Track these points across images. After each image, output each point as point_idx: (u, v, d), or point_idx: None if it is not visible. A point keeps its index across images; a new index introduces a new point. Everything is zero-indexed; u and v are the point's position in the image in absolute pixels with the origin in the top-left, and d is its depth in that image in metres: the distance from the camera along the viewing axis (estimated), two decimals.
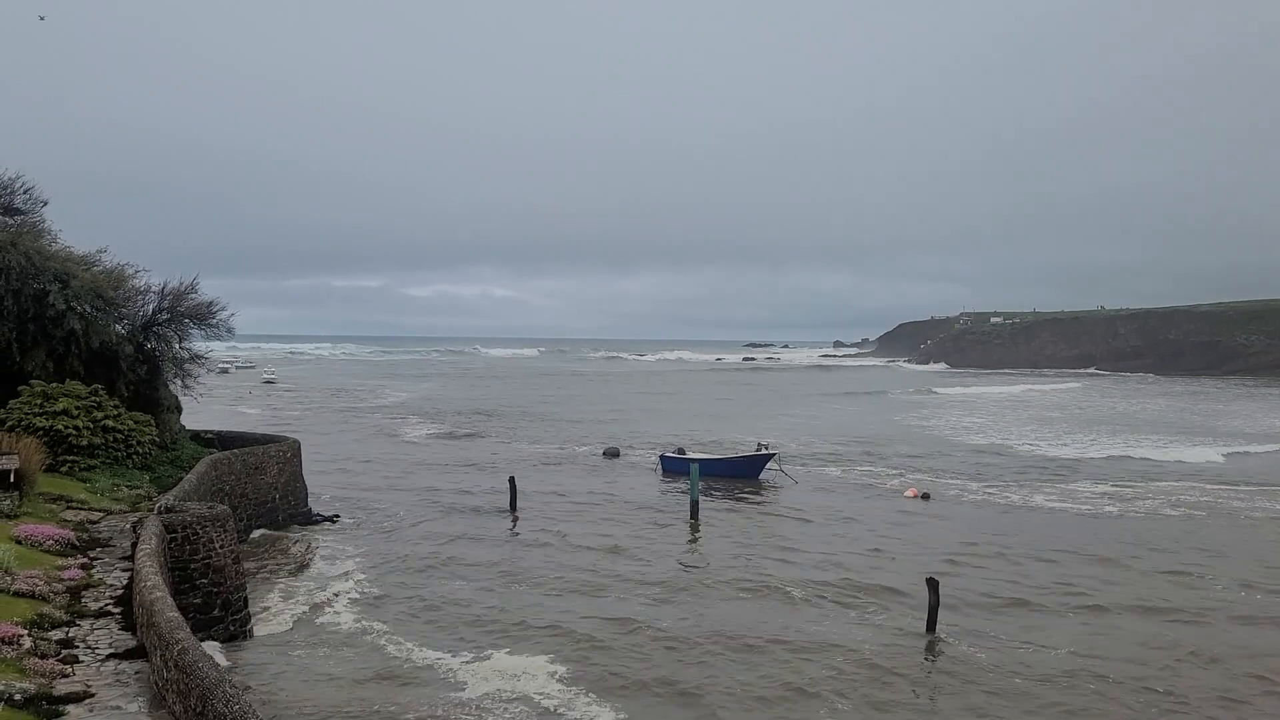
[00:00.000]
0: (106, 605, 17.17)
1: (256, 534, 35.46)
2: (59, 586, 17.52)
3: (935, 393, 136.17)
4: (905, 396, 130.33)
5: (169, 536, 21.76)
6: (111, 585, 18.50)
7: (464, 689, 20.90)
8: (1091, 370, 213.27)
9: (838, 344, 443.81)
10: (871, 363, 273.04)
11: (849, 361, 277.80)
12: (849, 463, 59.53)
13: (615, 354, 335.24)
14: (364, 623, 25.49)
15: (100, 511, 25.63)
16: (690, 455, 54.52)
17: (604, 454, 61.98)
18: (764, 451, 53.51)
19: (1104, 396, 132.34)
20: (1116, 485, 51.37)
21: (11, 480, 23.14)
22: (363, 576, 30.50)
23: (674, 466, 53.97)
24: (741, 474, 52.18)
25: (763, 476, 52.32)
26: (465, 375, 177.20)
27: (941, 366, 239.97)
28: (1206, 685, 21.79)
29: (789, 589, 29.41)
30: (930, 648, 24.13)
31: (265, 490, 37.29)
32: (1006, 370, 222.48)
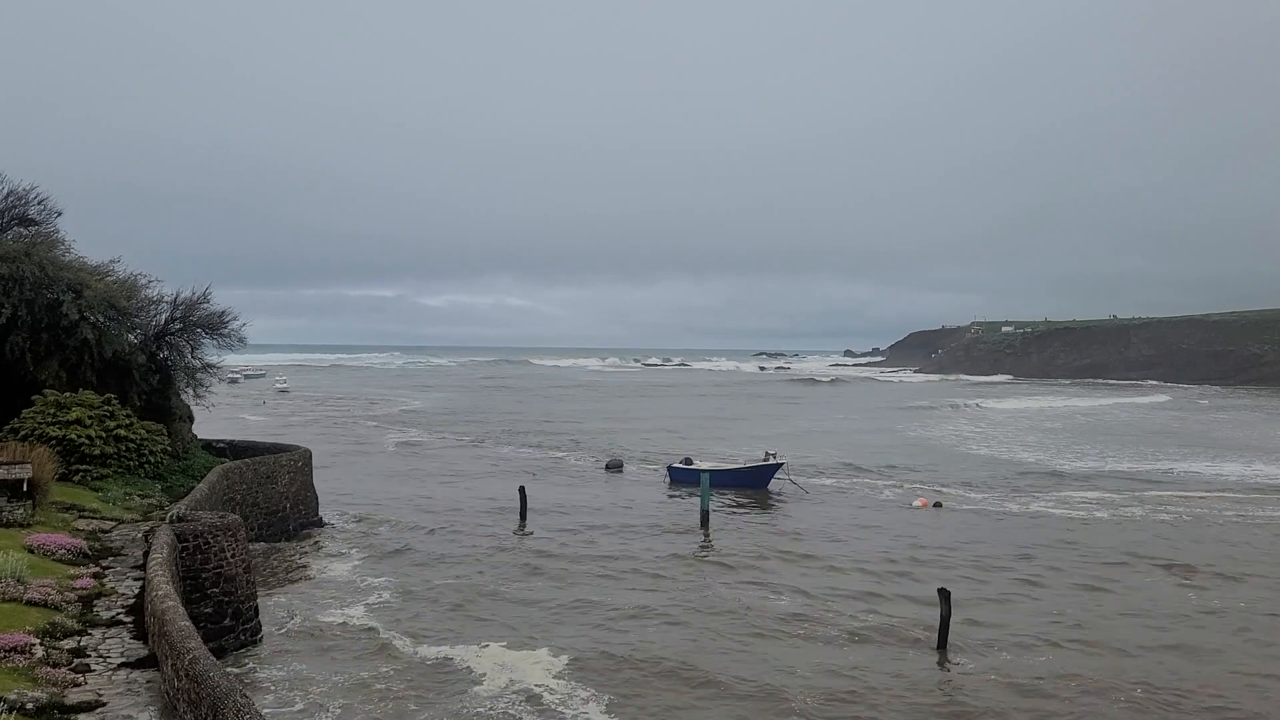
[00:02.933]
0: (118, 614, 17.18)
1: (265, 544, 35.54)
2: (71, 595, 17.55)
3: (995, 408, 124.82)
4: (990, 408, 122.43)
5: (180, 546, 21.81)
6: (123, 594, 18.52)
7: (472, 690, 21.04)
8: (1156, 381, 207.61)
9: (848, 353, 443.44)
10: (924, 377, 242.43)
11: (906, 377, 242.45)
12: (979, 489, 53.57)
13: (663, 362, 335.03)
14: (373, 627, 25.50)
15: (112, 520, 25.68)
16: (698, 466, 54.40)
17: (606, 467, 61.38)
18: (772, 461, 53.30)
19: (1212, 412, 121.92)
20: None
21: (24, 489, 23.21)
22: (372, 582, 30.54)
23: (681, 477, 53.81)
24: (749, 484, 51.96)
25: (771, 486, 52.11)
26: (519, 389, 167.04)
27: (1006, 377, 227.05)
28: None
29: (796, 598, 29.33)
30: (941, 660, 23.99)
31: (276, 499, 37.36)
32: (1068, 380, 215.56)
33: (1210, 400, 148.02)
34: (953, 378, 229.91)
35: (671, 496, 50.37)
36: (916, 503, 47.91)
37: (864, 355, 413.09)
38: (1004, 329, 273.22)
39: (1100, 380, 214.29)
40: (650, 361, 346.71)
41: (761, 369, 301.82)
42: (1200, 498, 50.62)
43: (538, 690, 21.04)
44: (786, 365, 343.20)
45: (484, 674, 22.07)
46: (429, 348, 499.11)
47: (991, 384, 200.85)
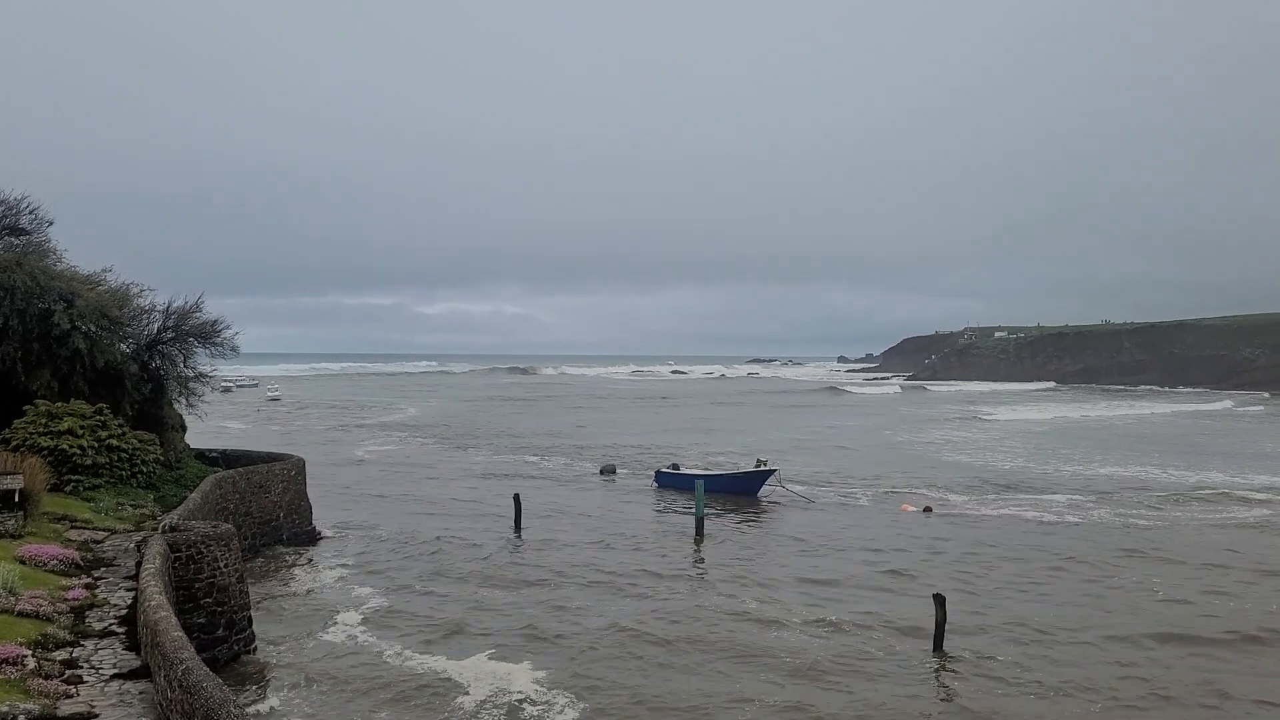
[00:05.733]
0: (111, 625, 17.11)
1: (260, 554, 35.40)
2: (63, 606, 17.47)
3: (1039, 418, 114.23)
4: (1039, 418, 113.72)
5: (173, 556, 21.71)
6: (116, 605, 18.44)
7: (458, 701, 21.02)
8: (1149, 386, 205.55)
9: (841, 359, 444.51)
10: (969, 385, 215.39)
11: (941, 387, 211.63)
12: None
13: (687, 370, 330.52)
14: (364, 638, 25.40)
15: (104, 531, 25.58)
16: (686, 471, 54.27)
17: (600, 472, 61.46)
18: (764, 468, 53.21)
19: None
20: None
21: (16, 500, 23.12)
22: (364, 592, 30.42)
23: (669, 482, 53.67)
24: (740, 490, 51.88)
25: (762, 493, 52.04)
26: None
27: (1050, 384, 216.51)
28: None
29: (791, 606, 29.29)
30: (937, 665, 23.97)
31: (270, 509, 37.23)
32: (1118, 385, 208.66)
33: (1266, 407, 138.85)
34: (989, 385, 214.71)
35: (661, 502, 50.29)
36: (909, 508, 47.93)
37: (857, 361, 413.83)
38: (997, 334, 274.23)
39: (1096, 385, 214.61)
40: (675, 370, 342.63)
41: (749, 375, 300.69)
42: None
43: (521, 702, 21.04)
44: (759, 373, 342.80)
45: (470, 686, 21.99)
46: (441, 356, 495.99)
47: (1030, 391, 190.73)
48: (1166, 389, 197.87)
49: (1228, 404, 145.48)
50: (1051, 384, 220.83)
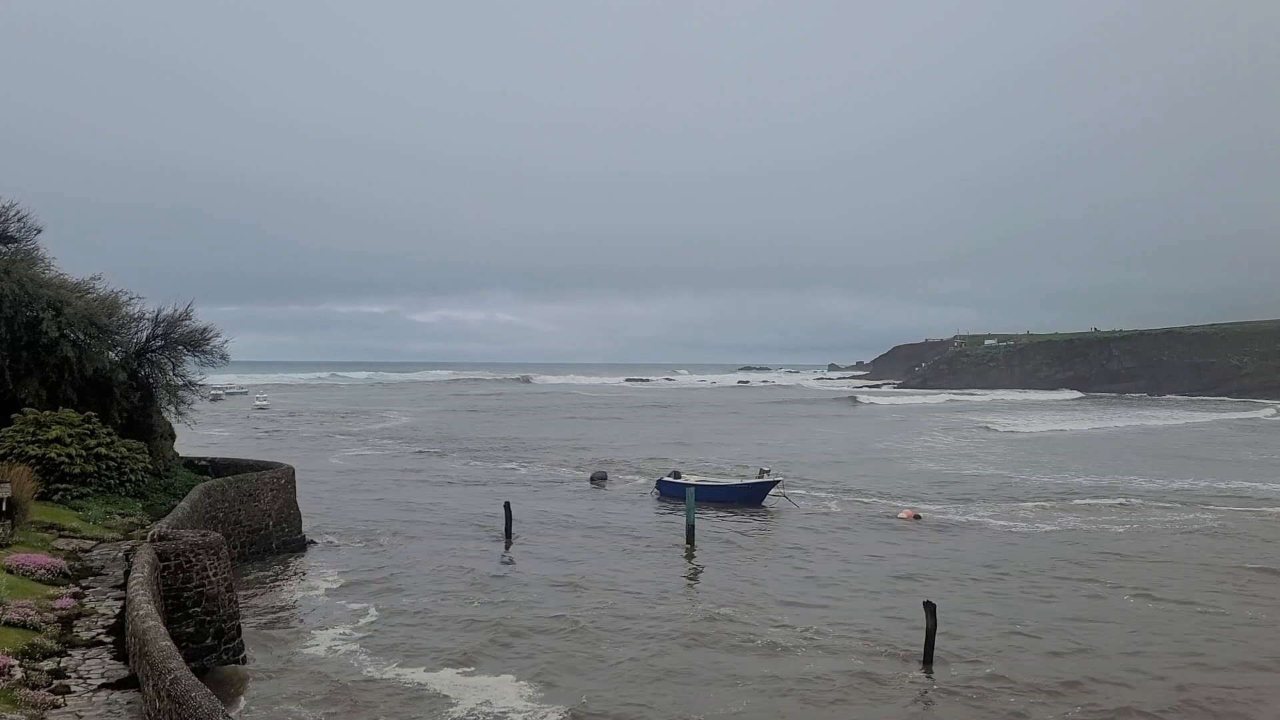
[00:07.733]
0: (99, 635, 17.03)
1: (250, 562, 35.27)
2: (51, 616, 17.39)
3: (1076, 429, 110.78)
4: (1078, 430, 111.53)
5: (162, 565, 21.61)
6: (104, 614, 18.36)
7: (445, 713, 20.97)
8: (1138, 394, 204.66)
9: (833, 367, 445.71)
10: (993, 395, 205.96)
11: (970, 397, 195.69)
12: None
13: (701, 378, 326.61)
14: (352, 650, 25.32)
15: (93, 540, 25.46)
16: (686, 480, 54.28)
17: (590, 480, 61.24)
18: (767, 479, 53.15)
19: None
20: None
21: (3, 509, 23.02)
22: (352, 603, 30.31)
23: (671, 491, 53.60)
24: (743, 500, 51.82)
25: (766, 503, 51.97)
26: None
27: (1073, 394, 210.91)
28: None
29: (782, 613, 29.31)
30: (928, 674, 23.99)
31: (259, 517, 37.09)
32: (1107, 393, 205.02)
33: None
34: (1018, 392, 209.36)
35: (654, 510, 50.26)
36: (901, 514, 48.02)
37: (848, 369, 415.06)
38: (986, 342, 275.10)
39: (1085, 392, 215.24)
40: (667, 377, 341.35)
41: (740, 382, 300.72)
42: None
43: (506, 714, 21.02)
44: (768, 380, 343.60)
45: (457, 698, 21.92)
46: (433, 364, 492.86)
47: (1065, 401, 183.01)
48: (1155, 397, 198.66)
49: (1270, 412, 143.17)
50: (1077, 394, 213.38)
